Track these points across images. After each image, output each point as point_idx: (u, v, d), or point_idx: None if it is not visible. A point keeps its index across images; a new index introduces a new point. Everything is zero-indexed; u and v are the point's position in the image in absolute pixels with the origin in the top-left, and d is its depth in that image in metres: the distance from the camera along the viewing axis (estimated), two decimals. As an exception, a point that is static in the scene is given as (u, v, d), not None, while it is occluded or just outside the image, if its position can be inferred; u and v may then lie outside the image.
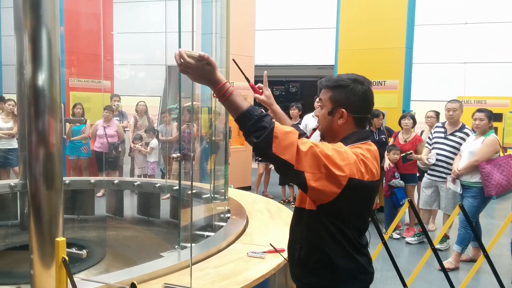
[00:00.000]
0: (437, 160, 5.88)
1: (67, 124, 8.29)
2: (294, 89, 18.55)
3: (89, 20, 9.32)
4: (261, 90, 2.37)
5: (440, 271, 4.26)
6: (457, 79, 12.24)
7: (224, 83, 1.78)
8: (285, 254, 2.17)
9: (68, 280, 2.12)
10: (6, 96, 8.67)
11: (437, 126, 6.13)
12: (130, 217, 6.08)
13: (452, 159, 5.73)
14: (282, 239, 2.31)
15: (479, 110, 5.39)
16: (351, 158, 1.81)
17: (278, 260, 2.88)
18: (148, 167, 8.62)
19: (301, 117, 8.36)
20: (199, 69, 1.77)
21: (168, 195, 5.78)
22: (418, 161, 6.34)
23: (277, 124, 1.73)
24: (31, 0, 2.59)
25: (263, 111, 1.78)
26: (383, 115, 7.16)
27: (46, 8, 2.60)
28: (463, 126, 5.84)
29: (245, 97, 1.81)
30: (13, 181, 5.46)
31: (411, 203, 4.01)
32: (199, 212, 4.16)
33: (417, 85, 8.98)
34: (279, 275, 2.93)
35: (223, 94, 1.77)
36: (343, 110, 1.95)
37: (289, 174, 1.74)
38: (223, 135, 4.48)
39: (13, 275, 4.05)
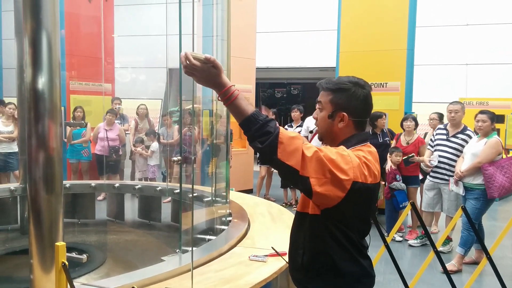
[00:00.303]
0: (439, 162, 5.86)
1: (68, 127, 8.29)
2: (296, 91, 18.58)
3: (90, 23, 9.32)
4: None
5: (443, 274, 4.24)
6: (459, 80, 12.23)
7: (229, 86, 1.75)
8: (287, 258, 2.14)
9: (68, 285, 2.10)
10: (7, 100, 8.67)
11: (439, 128, 6.11)
12: (131, 220, 6.07)
13: (454, 161, 5.71)
14: (284, 243, 2.29)
15: (481, 112, 5.38)
16: (355, 161, 1.80)
17: (280, 263, 2.86)
18: (149, 171, 8.61)
19: (302, 119, 8.35)
20: (204, 72, 1.75)
21: (169, 198, 5.77)
22: (421, 163, 6.33)
23: (281, 129, 1.71)
24: (31, 3, 2.58)
25: (268, 116, 1.77)
26: (385, 115, 7.14)
27: (46, 12, 2.59)
28: (465, 128, 5.82)
29: (246, 99, 1.79)
30: (13, 185, 5.45)
31: (413, 205, 4.00)
32: (200, 216, 4.14)
33: (418, 87, 8.97)
34: (281, 278, 2.90)
35: (228, 98, 1.75)
36: (344, 113, 1.94)
37: (294, 179, 1.72)
38: (225, 137, 4.46)
39: (13, 280, 4.04)
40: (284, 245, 2.27)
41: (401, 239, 6.48)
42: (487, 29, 12.01)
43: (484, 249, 3.76)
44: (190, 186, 3.42)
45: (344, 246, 1.91)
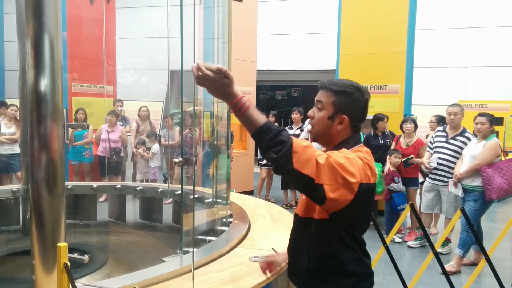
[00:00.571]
0: (438, 164, 5.89)
1: (70, 129, 8.31)
2: (296, 93, 18.58)
3: (92, 25, 9.35)
4: None
5: (442, 275, 4.26)
6: (458, 83, 12.24)
7: (240, 97, 1.75)
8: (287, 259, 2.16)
9: (70, 286, 2.12)
10: (9, 102, 8.70)
11: (438, 130, 6.13)
12: (133, 222, 6.08)
13: (454, 163, 5.73)
14: (284, 244, 2.31)
15: (480, 114, 5.40)
16: (359, 163, 1.83)
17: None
18: (150, 172, 8.63)
19: (302, 121, 8.37)
20: (216, 82, 1.74)
21: (171, 200, 5.78)
22: (422, 165, 6.35)
23: (294, 138, 1.70)
24: (34, 5, 2.60)
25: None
26: (387, 118, 7.17)
27: (48, 14, 2.61)
28: (464, 130, 5.85)
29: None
30: (15, 186, 5.46)
31: (412, 207, 4.01)
32: (201, 217, 4.16)
33: (418, 90, 8.99)
34: (281, 279, 2.92)
35: (239, 109, 1.73)
36: (345, 116, 1.95)
37: (309, 188, 1.72)
38: (225, 139, 4.48)
39: (15, 281, 4.05)
40: (284, 246, 2.28)
41: (400, 240, 6.50)
42: (487, 32, 12.03)
43: (482, 251, 3.78)
44: (191, 187, 3.44)
45: (351, 247, 1.95)
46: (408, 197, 6.67)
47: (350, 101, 1.96)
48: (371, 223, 4.10)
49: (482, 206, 5.30)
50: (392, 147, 6.86)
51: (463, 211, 3.91)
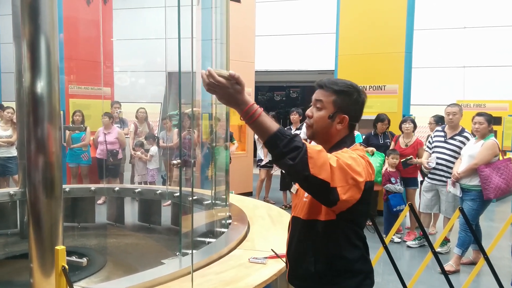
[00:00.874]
0: (437, 164, 5.88)
1: (67, 131, 8.28)
2: (295, 94, 18.58)
3: (89, 26, 9.32)
4: None
5: (441, 274, 4.24)
6: (457, 83, 12.24)
7: (252, 104, 1.70)
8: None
9: (69, 288, 2.11)
10: (5, 104, 8.68)
11: (437, 130, 6.13)
12: (131, 224, 6.07)
13: (452, 162, 5.73)
14: (283, 245, 2.30)
15: (478, 114, 5.40)
16: (363, 162, 1.85)
17: (280, 265, 2.86)
18: (148, 174, 8.61)
19: (301, 122, 8.36)
20: (228, 89, 1.69)
21: (169, 201, 5.77)
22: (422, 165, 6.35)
23: (307, 143, 1.68)
24: (30, 7, 2.59)
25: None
26: (388, 121, 7.16)
27: (44, 16, 2.60)
28: (462, 130, 5.85)
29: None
30: (13, 189, 5.44)
31: (411, 206, 4.01)
32: (200, 219, 4.15)
33: (416, 90, 8.99)
34: (280, 280, 2.91)
35: (251, 116, 1.69)
36: (345, 116, 1.96)
37: (324, 193, 1.69)
38: (224, 140, 4.47)
39: (13, 284, 4.04)
40: (283, 247, 2.28)
41: (399, 240, 6.49)
42: (484, 32, 12.04)
43: (481, 250, 3.77)
44: (190, 189, 3.43)
45: (357, 246, 1.96)
46: (408, 197, 6.68)
47: (350, 101, 1.97)
48: (370, 223, 4.11)
49: (480, 206, 5.31)
50: (391, 147, 6.87)
51: (461, 210, 3.91)
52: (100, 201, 7.38)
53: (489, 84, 11.81)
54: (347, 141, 1.99)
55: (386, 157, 6.61)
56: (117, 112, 8.96)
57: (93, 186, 6.02)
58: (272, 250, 2.96)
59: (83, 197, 5.88)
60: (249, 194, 9.13)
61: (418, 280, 3.95)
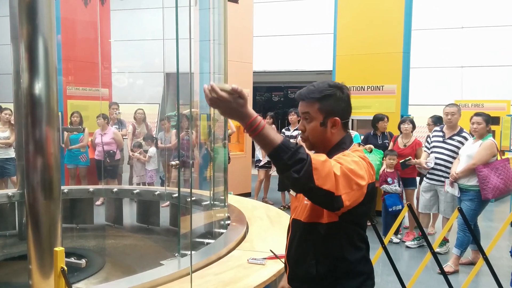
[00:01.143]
0: (435, 164, 5.89)
1: (65, 132, 8.27)
2: (293, 94, 18.56)
3: (86, 28, 9.32)
4: None
5: (440, 274, 4.25)
6: (455, 83, 12.27)
7: (255, 116, 1.69)
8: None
9: (67, 290, 2.11)
10: (3, 105, 8.66)
11: (436, 130, 6.14)
12: (130, 225, 6.06)
13: (451, 162, 5.74)
14: (282, 245, 2.30)
15: (477, 114, 5.40)
16: (365, 164, 1.84)
17: (279, 266, 2.86)
18: (147, 175, 8.61)
19: (299, 122, 8.36)
20: (231, 103, 1.67)
21: (168, 202, 5.77)
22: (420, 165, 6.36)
23: (311, 154, 1.66)
24: (27, 8, 2.59)
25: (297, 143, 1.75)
26: (387, 118, 7.19)
27: (42, 17, 2.60)
28: (461, 130, 5.85)
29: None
30: (11, 190, 5.43)
31: (410, 207, 4.01)
32: (199, 219, 4.14)
33: (414, 90, 8.99)
34: (279, 281, 2.91)
35: (255, 129, 1.67)
36: (336, 118, 1.95)
37: (329, 202, 1.69)
38: (222, 141, 4.47)
39: (12, 286, 4.03)
40: (282, 248, 2.28)
41: (398, 240, 6.49)
42: (482, 32, 12.07)
43: (480, 250, 3.78)
44: (188, 190, 3.43)
45: (360, 247, 1.96)
46: (406, 197, 6.68)
47: (335, 102, 1.95)
48: (369, 223, 4.11)
49: (478, 206, 5.31)
50: (390, 148, 6.88)
51: (460, 210, 3.91)
52: (98, 202, 7.37)
53: (487, 84, 11.84)
54: (346, 141, 1.98)
55: (384, 157, 6.62)
56: (115, 113, 8.96)
57: (91, 187, 6.01)
58: (271, 251, 2.96)
59: (82, 198, 5.87)
60: (247, 194, 9.13)
61: (417, 281, 3.95)
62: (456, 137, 5.80)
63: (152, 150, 8.64)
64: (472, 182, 5.28)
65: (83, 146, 8.37)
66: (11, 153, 7.98)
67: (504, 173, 5.17)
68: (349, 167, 1.73)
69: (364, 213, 1.94)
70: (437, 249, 5.24)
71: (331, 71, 8.55)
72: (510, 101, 10.42)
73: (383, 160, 6.70)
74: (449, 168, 5.71)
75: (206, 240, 3.76)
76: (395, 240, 6.46)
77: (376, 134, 7.24)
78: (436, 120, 7.07)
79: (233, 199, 4.89)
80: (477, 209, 5.32)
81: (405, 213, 4.30)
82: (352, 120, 8.24)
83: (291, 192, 2.22)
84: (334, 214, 1.86)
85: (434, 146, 5.99)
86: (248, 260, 3.00)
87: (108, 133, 8.32)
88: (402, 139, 6.77)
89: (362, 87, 8.03)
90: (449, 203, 5.77)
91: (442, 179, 5.82)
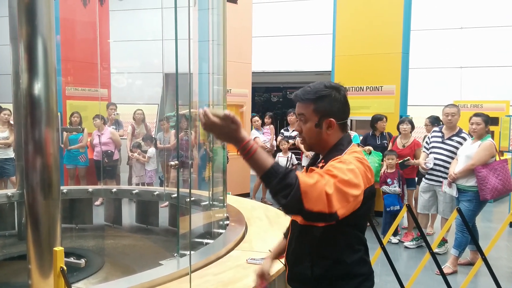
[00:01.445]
0: (434, 164, 5.89)
1: (64, 133, 8.28)
2: (292, 95, 18.60)
3: (85, 28, 9.31)
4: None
5: (438, 275, 4.26)
6: (454, 83, 12.27)
7: (248, 141, 1.72)
8: (284, 261, 2.15)
9: (67, 290, 2.11)
10: (2, 106, 8.65)
11: (434, 131, 6.14)
12: (129, 225, 6.06)
13: (450, 163, 5.73)
14: (281, 246, 2.32)
15: (476, 115, 5.41)
16: (361, 169, 1.82)
17: (278, 266, 2.86)
18: (146, 175, 8.61)
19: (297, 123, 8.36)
20: (224, 128, 1.71)
21: (167, 203, 5.77)
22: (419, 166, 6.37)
23: (300, 177, 1.66)
24: (27, 9, 2.59)
25: (288, 167, 1.75)
26: (386, 119, 7.21)
27: (41, 17, 2.60)
28: (460, 131, 5.85)
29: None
30: (10, 191, 5.44)
31: (409, 207, 4.01)
32: (198, 220, 4.15)
33: (413, 90, 9.00)
34: (278, 281, 2.91)
35: (247, 152, 1.70)
36: (331, 119, 1.94)
37: (322, 220, 1.70)
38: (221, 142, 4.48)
39: (11, 286, 4.03)
40: (281, 248, 2.29)
41: (397, 241, 6.50)
42: (481, 32, 12.07)
43: (479, 250, 3.78)
44: (188, 190, 3.44)
45: (357, 249, 1.95)
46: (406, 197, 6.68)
47: (329, 102, 1.95)
48: (368, 224, 4.12)
49: (476, 206, 5.31)
50: (388, 148, 6.89)
51: (459, 211, 3.91)
52: (97, 203, 7.37)
53: (486, 84, 11.84)
54: (343, 142, 1.97)
55: (384, 158, 6.64)
56: (114, 114, 8.96)
57: (90, 188, 6.02)
58: (269, 251, 2.96)
59: (81, 199, 5.88)
60: (246, 195, 9.13)
61: (415, 281, 3.95)
62: (455, 138, 5.80)
63: (152, 150, 8.64)
64: (471, 182, 5.28)
65: (82, 146, 8.38)
66: (10, 153, 7.98)
67: (502, 174, 5.18)
68: (344, 179, 1.72)
69: (361, 215, 1.91)
70: (435, 250, 5.24)
71: (330, 71, 8.56)
72: (509, 101, 10.43)
73: (382, 161, 6.71)
74: (448, 168, 5.71)
75: (205, 240, 3.77)
76: (394, 240, 6.46)
77: (374, 135, 7.26)
78: (434, 121, 7.07)
79: (232, 200, 4.90)
80: (475, 209, 5.33)
81: (404, 213, 4.31)
82: (351, 120, 8.25)
83: None
84: None
85: (433, 147, 5.99)
86: (247, 260, 3.01)
87: (105, 133, 8.33)
88: (401, 139, 6.77)
89: (361, 87, 8.04)
90: (448, 204, 5.77)
91: (441, 179, 5.81)
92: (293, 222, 2.08)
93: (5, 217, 5.39)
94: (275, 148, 9.02)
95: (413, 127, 6.85)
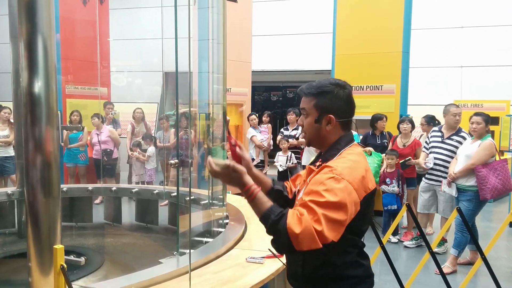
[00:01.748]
0: (434, 164, 5.89)
1: (64, 131, 8.28)
2: (292, 94, 18.57)
3: (85, 27, 9.32)
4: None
5: (438, 274, 4.27)
6: (454, 83, 12.26)
7: (250, 185, 1.86)
8: (284, 259, 2.16)
9: (67, 288, 2.12)
10: (2, 104, 8.66)
11: (434, 131, 6.14)
12: (128, 224, 6.07)
13: (450, 163, 5.73)
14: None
15: (476, 114, 5.40)
16: (356, 181, 1.82)
17: (277, 265, 2.87)
18: (146, 174, 8.62)
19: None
20: (227, 176, 1.90)
21: (166, 201, 5.77)
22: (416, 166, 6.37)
23: (289, 220, 1.72)
24: (27, 7, 2.59)
25: (283, 210, 1.79)
26: (386, 118, 7.21)
27: (41, 16, 2.60)
28: (460, 130, 5.85)
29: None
30: (10, 189, 5.44)
31: (408, 207, 4.02)
32: (197, 218, 4.15)
33: (414, 89, 9.00)
34: (278, 280, 2.92)
35: (249, 195, 1.86)
36: (331, 116, 1.94)
37: (317, 253, 1.75)
38: (221, 140, 4.48)
39: (12, 283, 4.04)
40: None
41: (396, 240, 6.50)
42: (482, 32, 12.07)
43: (479, 250, 3.78)
44: (187, 189, 3.44)
45: (348, 251, 1.94)
46: (406, 197, 6.68)
47: (330, 99, 1.95)
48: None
49: (476, 206, 5.31)
50: (389, 148, 6.88)
51: (459, 210, 3.92)
52: (97, 201, 7.37)
53: (487, 84, 11.83)
54: (341, 142, 1.96)
55: (385, 157, 6.64)
56: (111, 113, 8.95)
57: (90, 186, 6.03)
58: (269, 249, 2.96)
59: (81, 197, 5.89)
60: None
61: (415, 280, 3.96)
62: (455, 137, 5.80)
63: (151, 149, 8.65)
64: (470, 182, 5.28)
65: (82, 145, 8.38)
66: (11, 152, 8.00)
67: (502, 173, 5.18)
68: (333, 201, 1.74)
69: (359, 220, 1.88)
70: (435, 249, 5.24)
71: (330, 70, 8.56)
72: (509, 101, 10.44)
73: (381, 162, 6.71)
74: (448, 168, 5.71)
75: (205, 239, 3.77)
76: (394, 240, 6.47)
77: (374, 134, 7.25)
78: (429, 120, 7.06)
79: (232, 198, 4.89)
80: (475, 209, 5.33)
81: (403, 213, 4.31)
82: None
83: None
84: None
85: (432, 146, 5.99)
86: (246, 259, 3.01)
87: (104, 131, 8.33)
88: (401, 139, 6.77)
89: (361, 86, 8.04)
90: (447, 203, 5.77)
91: (441, 179, 5.81)
92: None
93: (5, 215, 5.40)
94: (272, 147, 9.00)
95: (413, 127, 6.85)
